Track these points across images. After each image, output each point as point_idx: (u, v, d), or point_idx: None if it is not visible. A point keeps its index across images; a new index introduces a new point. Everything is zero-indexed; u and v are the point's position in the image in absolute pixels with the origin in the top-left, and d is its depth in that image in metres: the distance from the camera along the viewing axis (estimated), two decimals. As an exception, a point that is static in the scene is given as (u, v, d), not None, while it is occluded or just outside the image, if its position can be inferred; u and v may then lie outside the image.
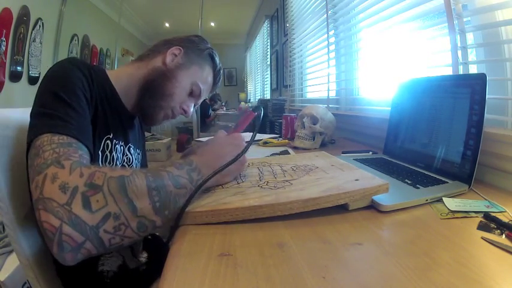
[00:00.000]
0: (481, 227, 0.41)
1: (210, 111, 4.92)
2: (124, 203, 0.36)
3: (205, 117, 4.62)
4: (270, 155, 0.91)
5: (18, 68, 2.64)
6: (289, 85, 2.51)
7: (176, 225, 0.41)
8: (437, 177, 0.60)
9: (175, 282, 0.29)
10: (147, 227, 0.38)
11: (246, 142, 0.54)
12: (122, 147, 0.68)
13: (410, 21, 0.98)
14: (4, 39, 2.39)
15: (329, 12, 1.63)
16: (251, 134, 0.53)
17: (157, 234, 0.83)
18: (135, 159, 0.76)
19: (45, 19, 2.98)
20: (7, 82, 2.51)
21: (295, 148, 1.06)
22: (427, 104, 0.73)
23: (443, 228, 0.41)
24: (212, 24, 5.68)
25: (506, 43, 0.70)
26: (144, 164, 0.85)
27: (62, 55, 3.38)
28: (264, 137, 1.29)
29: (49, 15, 3.08)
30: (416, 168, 0.68)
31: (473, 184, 0.56)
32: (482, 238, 0.37)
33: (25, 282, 0.97)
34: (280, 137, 1.32)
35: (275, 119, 2.06)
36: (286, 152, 0.98)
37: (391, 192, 0.48)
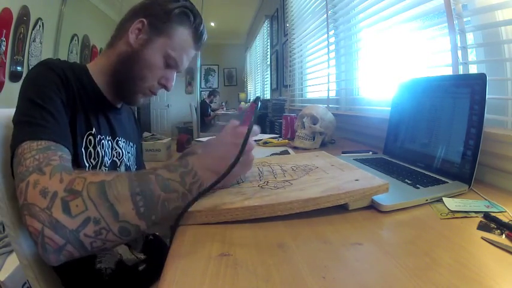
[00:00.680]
0: (481, 227, 0.41)
1: (209, 110, 4.92)
2: (104, 208, 0.36)
3: (205, 116, 4.63)
4: (270, 155, 0.91)
5: (18, 68, 2.64)
6: (289, 85, 2.51)
7: (176, 225, 0.41)
8: (437, 177, 0.60)
9: (175, 282, 0.29)
10: (130, 231, 0.38)
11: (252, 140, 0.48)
12: (109, 142, 0.66)
13: (410, 21, 0.98)
14: (4, 39, 2.40)
15: (329, 12, 1.63)
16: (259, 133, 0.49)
17: (157, 234, 0.83)
18: (128, 152, 0.73)
19: (45, 19, 2.98)
20: (7, 82, 2.51)
21: (295, 148, 1.06)
22: (427, 104, 0.73)
23: (443, 228, 0.41)
24: (212, 24, 5.67)
25: (506, 43, 0.70)
26: (139, 156, 0.82)
27: (62, 55, 3.39)
28: (264, 137, 1.29)
29: (49, 15, 3.08)
30: (416, 168, 0.68)
31: (473, 184, 0.56)
32: (482, 238, 0.37)
33: (25, 282, 0.97)
34: (280, 137, 1.32)
35: (275, 119, 2.06)
36: (286, 152, 0.98)
37: (391, 192, 0.48)
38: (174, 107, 6.24)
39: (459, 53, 0.75)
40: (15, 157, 0.43)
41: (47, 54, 3.07)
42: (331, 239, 0.37)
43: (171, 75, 0.67)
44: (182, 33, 0.65)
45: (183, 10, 0.64)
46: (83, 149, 0.58)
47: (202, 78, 6.74)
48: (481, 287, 0.28)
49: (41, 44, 2.95)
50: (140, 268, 0.69)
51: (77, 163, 0.56)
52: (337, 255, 0.34)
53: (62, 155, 0.44)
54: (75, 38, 3.63)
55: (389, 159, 0.80)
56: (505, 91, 0.72)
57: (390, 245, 0.36)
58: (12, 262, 0.98)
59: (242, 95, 6.14)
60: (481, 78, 0.57)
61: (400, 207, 0.47)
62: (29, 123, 0.46)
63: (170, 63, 0.65)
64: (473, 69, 0.77)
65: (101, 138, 0.63)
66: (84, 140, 0.59)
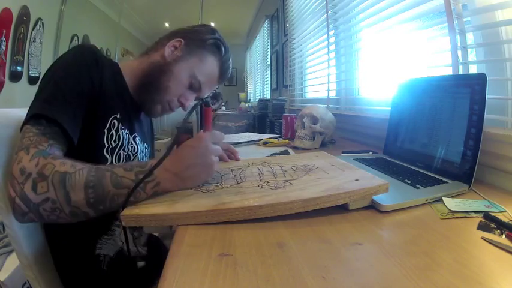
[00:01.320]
0: (481, 227, 0.41)
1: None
2: (61, 193, 0.44)
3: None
4: (270, 155, 0.91)
5: (18, 68, 2.64)
6: (289, 85, 2.51)
7: (122, 208, 0.43)
8: (437, 177, 0.60)
9: (175, 282, 0.29)
10: (79, 215, 0.45)
11: (214, 143, 0.52)
12: (127, 134, 0.69)
13: (410, 21, 0.98)
14: (4, 39, 2.40)
15: (329, 12, 1.64)
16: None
17: (156, 235, 0.83)
18: (142, 151, 0.75)
19: (45, 19, 2.98)
20: (7, 82, 2.51)
21: (295, 148, 1.06)
22: (427, 104, 0.73)
23: (443, 228, 0.41)
24: (212, 24, 5.66)
25: (506, 43, 0.70)
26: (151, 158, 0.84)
27: (62, 55, 3.38)
28: (264, 137, 1.29)
29: (49, 15, 3.08)
30: (416, 168, 0.68)
31: (473, 184, 0.56)
32: (482, 238, 0.37)
33: (25, 282, 0.96)
34: (280, 137, 1.32)
35: (275, 119, 2.06)
36: (286, 152, 0.98)
37: (391, 192, 0.48)
38: (174, 107, 6.22)
39: (459, 53, 0.75)
40: (21, 131, 0.51)
41: (47, 54, 3.06)
42: (331, 239, 0.37)
43: (190, 96, 0.73)
44: (211, 62, 0.73)
45: (217, 42, 0.73)
46: (105, 130, 0.61)
47: (203, 78, 6.72)
48: (481, 287, 0.28)
49: (41, 44, 2.94)
50: (139, 265, 0.69)
51: (98, 141, 0.60)
52: (337, 255, 0.34)
53: (53, 143, 0.50)
54: (75, 38, 3.63)
55: (389, 159, 0.80)
56: (505, 91, 0.72)
57: (390, 245, 0.36)
58: (12, 262, 0.98)
59: (242, 95, 6.13)
60: (481, 78, 0.57)
61: (400, 207, 0.47)
62: (42, 100, 0.52)
63: (194, 85, 0.71)
64: (473, 69, 0.77)
65: (122, 128, 0.66)
66: (109, 122, 0.62)
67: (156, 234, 0.83)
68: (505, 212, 0.45)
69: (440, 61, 0.87)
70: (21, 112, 0.62)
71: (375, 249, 0.35)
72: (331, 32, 1.65)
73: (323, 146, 1.10)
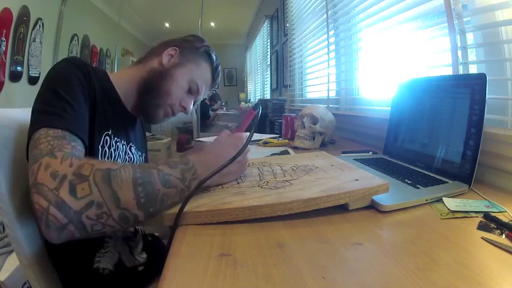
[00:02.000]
0: (481, 227, 0.41)
1: (210, 111, 4.92)
2: (108, 194, 0.38)
3: (205, 118, 4.62)
4: (270, 155, 0.91)
5: (18, 68, 2.64)
6: (289, 85, 2.51)
7: (176, 224, 0.41)
8: (437, 177, 0.60)
9: (175, 282, 0.29)
10: (129, 219, 0.40)
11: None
12: (123, 145, 0.69)
13: (410, 21, 0.98)
14: (4, 39, 2.39)
15: (329, 12, 1.63)
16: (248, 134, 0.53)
17: (156, 234, 0.83)
18: (137, 160, 0.76)
19: (45, 19, 2.97)
20: (7, 82, 2.51)
21: (295, 148, 1.06)
22: (427, 104, 0.73)
23: (443, 228, 0.41)
24: (212, 24, 5.67)
25: (506, 43, 0.70)
26: None
27: (62, 55, 3.38)
28: (264, 137, 1.29)
29: (49, 15, 3.08)
30: (416, 168, 0.68)
31: (473, 184, 0.56)
32: (482, 238, 0.37)
33: (25, 282, 0.97)
34: (280, 137, 1.32)
35: (275, 119, 2.06)
36: (286, 152, 0.98)
37: (391, 192, 0.48)
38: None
39: (459, 53, 0.75)
40: (31, 141, 0.46)
41: (47, 54, 3.06)
42: (331, 239, 0.37)
43: (189, 100, 0.76)
44: (205, 68, 0.77)
45: (208, 50, 0.78)
46: (99, 147, 0.60)
47: (203, 78, 6.73)
48: (481, 287, 0.28)
49: (41, 44, 2.94)
50: (140, 269, 0.69)
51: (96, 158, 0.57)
52: (337, 255, 0.34)
53: (76, 145, 0.46)
54: (75, 38, 3.63)
55: (389, 159, 0.80)
56: (505, 91, 0.72)
57: (390, 245, 0.36)
58: (12, 262, 0.98)
59: (242, 95, 6.13)
60: (481, 78, 0.57)
61: (400, 207, 0.47)
62: (48, 111, 0.49)
63: (193, 89, 0.74)
64: (473, 69, 0.77)
65: (117, 140, 0.66)
66: (102, 138, 0.61)
67: (157, 234, 0.83)
68: (505, 212, 0.45)
69: (440, 61, 0.87)
70: (21, 112, 0.62)
71: (375, 249, 0.35)
72: (331, 32, 1.65)
73: (323, 146, 1.10)
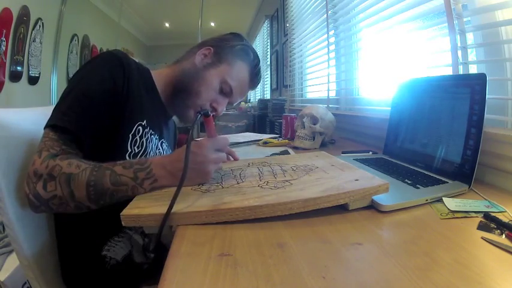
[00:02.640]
0: (481, 227, 0.41)
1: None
2: (67, 192, 0.50)
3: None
4: (270, 155, 0.91)
5: (18, 68, 2.64)
6: (289, 85, 2.51)
7: (162, 227, 0.41)
8: (437, 177, 0.60)
9: (175, 282, 0.29)
10: (82, 208, 0.51)
11: (217, 150, 0.54)
12: (156, 139, 0.70)
13: (410, 21, 0.99)
14: (4, 39, 2.40)
15: (329, 12, 1.63)
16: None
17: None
18: None
19: (45, 19, 2.98)
20: (7, 82, 2.51)
21: (295, 148, 1.06)
22: (427, 104, 0.73)
23: (443, 228, 0.41)
24: (212, 24, 5.67)
25: (506, 43, 0.70)
26: None
27: (62, 55, 3.38)
28: (264, 137, 1.29)
29: (49, 15, 3.08)
30: (416, 168, 0.68)
31: (473, 184, 0.56)
32: (482, 238, 0.37)
33: (25, 282, 0.96)
34: (280, 137, 1.32)
35: (275, 119, 2.06)
36: (286, 152, 0.98)
37: (391, 192, 0.48)
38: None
39: (459, 53, 0.75)
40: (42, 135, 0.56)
41: (47, 54, 3.07)
42: (331, 239, 0.37)
43: (222, 100, 0.75)
44: (241, 67, 0.75)
45: (245, 48, 0.76)
46: (130, 135, 0.62)
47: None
48: (481, 287, 0.28)
49: (41, 44, 2.94)
50: (145, 267, 0.69)
51: (122, 145, 0.61)
52: (337, 255, 0.34)
53: (66, 148, 0.54)
54: (75, 38, 3.63)
55: (389, 159, 0.80)
56: (505, 91, 0.72)
57: (390, 245, 0.36)
58: (12, 262, 0.98)
59: (242, 95, 6.12)
60: (481, 78, 0.57)
61: (400, 207, 0.47)
62: (60, 108, 0.56)
63: (225, 89, 0.73)
64: (473, 69, 0.77)
65: (151, 133, 0.68)
66: (134, 128, 0.63)
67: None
68: (505, 212, 0.45)
69: (440, 61, 0.87)
70: (21, 112, 0.62)
71: (375, 249, 0.35)
72: (331, 32, 1.65)
73: (323, 146, 1.10)
